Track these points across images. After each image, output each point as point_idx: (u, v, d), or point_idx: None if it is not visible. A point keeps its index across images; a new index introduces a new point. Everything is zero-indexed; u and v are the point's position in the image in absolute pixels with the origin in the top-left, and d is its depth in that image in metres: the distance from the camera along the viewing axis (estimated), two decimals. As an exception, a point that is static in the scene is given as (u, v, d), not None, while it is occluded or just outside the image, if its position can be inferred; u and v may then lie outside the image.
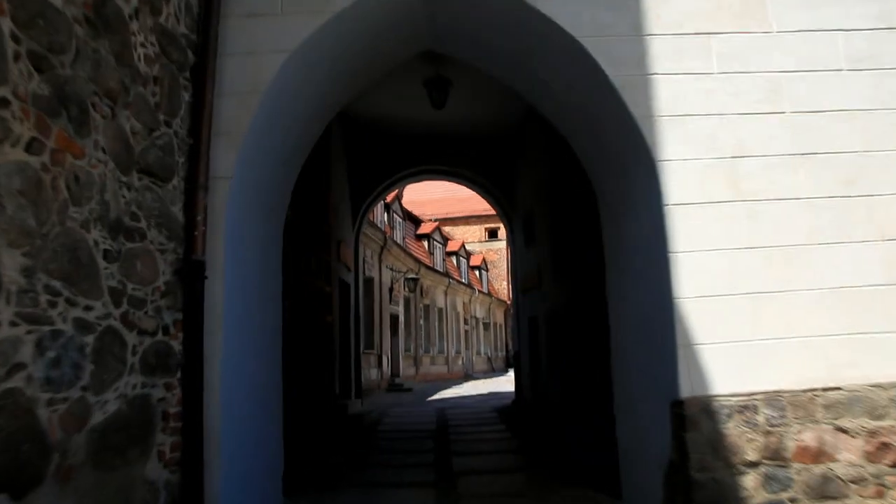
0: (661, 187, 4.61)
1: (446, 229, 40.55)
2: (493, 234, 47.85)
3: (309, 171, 7.40)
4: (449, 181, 14.89)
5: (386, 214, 24.12)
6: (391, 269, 21.38)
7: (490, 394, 18.37)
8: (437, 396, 17.84)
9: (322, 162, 9.78)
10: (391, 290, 21.09)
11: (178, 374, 4.03)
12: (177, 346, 4.06)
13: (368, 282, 19.01)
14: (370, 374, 18.02)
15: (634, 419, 5.07)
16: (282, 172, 5.77)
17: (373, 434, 9.75)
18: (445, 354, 29.67)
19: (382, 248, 19.88)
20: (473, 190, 14.81)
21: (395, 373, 21.96)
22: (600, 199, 5.94)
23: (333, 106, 6.28)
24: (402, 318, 23.27)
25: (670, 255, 4.49)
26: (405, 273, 21.41)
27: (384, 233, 19.68)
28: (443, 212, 46.59)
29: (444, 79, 11.12)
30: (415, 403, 15.55)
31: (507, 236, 14.68)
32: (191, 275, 4.18)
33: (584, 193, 7.24)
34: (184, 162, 4.35)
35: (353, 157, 13.81)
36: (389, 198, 24.63)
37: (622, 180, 5.25)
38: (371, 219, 18.69)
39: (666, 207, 4.57)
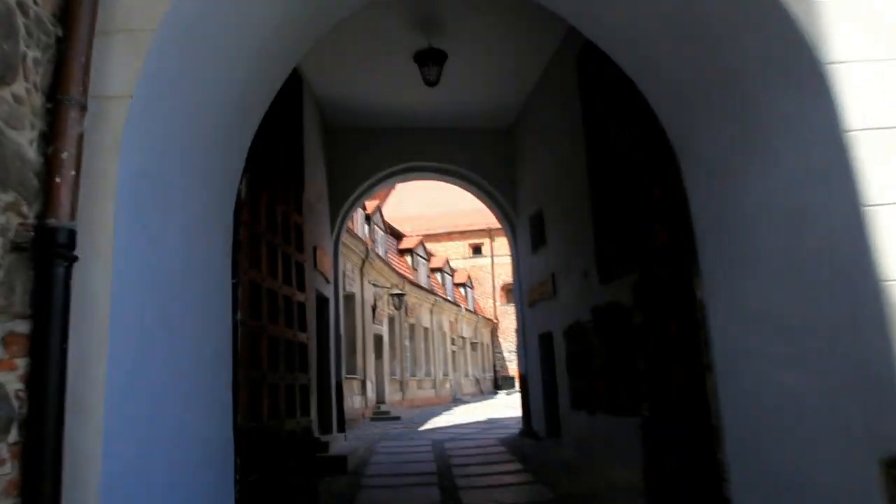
0: (832, 105, 2.86)
1: (428, 246, 38.75)
2: (477, 251, 46.21)
3: (275, 152, 5.58)
4: (440, 180, 13.11)
5: (367, 226, 22.28)
6: (374, 285, 19.48)
7: (488, 421, 16.45)
8: (429, 426, 15.87)
9: (294, 145, 7.94)
10: (374, 307, 19.18)
11: (13, 438, 2.16)
12: (13, 383, 2.20)
13: (349, 298, 17.10)
14: (353, 402, 16.03)
15: (774, 484, 3.25)
16: (229, 118, 3.92)
17: (359, 484, 7.81)
18: (433, 377, 27.70)
19: (364, 261, 17.99)
20: (468, 190, 13.04)
21: (380, 399, 19.96)
22: (686, 156, 4.18)
23: (292, 45, 4.49)
24: (386, 339, 21.33)
25: (863, 209, 2.73)
26: (389, 289, 19.53)
27: (366, 244, 17.82)
28: (424, 228, 44.88)
29: (437, 51, 9.42)
30: (406, 435, 13.58)
31: (509, 242, 12.91)
32: (43, 252, 2.33)
33: (640, 163, 5.51)
34: (42, 59, 2.51)
35: (332, 151, 12.01)
36: (370, 209, 22.86)
37: (745, 112, 3.49)
38: (351, 228, 16.83)
39: (847, 135, 2.81)
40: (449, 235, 46.44)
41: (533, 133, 11.29)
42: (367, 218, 22.23)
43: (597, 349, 8.34)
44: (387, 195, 52.61)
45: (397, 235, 29.48)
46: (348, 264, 16.52)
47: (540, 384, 11.08)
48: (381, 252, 23.16)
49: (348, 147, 12.17)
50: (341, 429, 11.24)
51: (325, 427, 10.62)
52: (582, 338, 8.88)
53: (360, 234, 19.67)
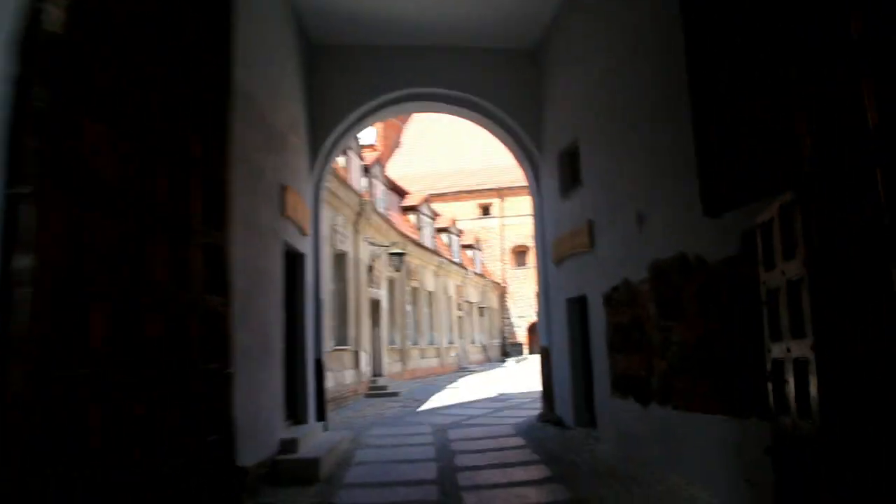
0: None
1: (434, 206, 36.44)
2: (486, 211, 43.94)
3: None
4: (447, 112, 10.72)
5: (365, 179, 19.96)
6: (371, 244, 17.24)
7: (499, 398, 14.35)
8: (431, 404, 13.77)
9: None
10: (371, 269, 16.98)
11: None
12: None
13: (340, 257, 14.90)
14: (343, 377, 13.94)
15: None
16: None
17: (329, 503, 5.68)
18: (437, 346, 25.66)
19: (359, 216, 15.72)
20: (482, 125, 10.67)
21: (377, 372, 17.90)
22: None
23: None
24: (385, 304, 19.18)
25: None
26: (388, 248, 17.31)
27: (361, 197, 15.52)
28: (430, 187, 42.48)
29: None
30: (403, 419, 11.47)
31: (530, 188, 10.57)
32: None
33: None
34: None
35: (316, 74, 9.66)
36: (369, 160, 20.51)
37: None
38: (344, 177, 14.53)
39: None
40: (456, 195, 44.13)
41: (567, 51, 8.89)
42: (366, 170, 19.90)
43: (654, 319, 6.11)
44: (391, 152, 50.12)
45: (400, 192, 27.15)
46: (339, 218, 14.27)
47: (567, 360, 8.90)
48: (381, 207, 20.88)
49: (336, 68, 9.82)
50: (321, 416, 9.11)
51: (298, 416, 8.49)
52: (632, 303, 6.64)
53: (355, 187, 17.37)
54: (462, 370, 28.18)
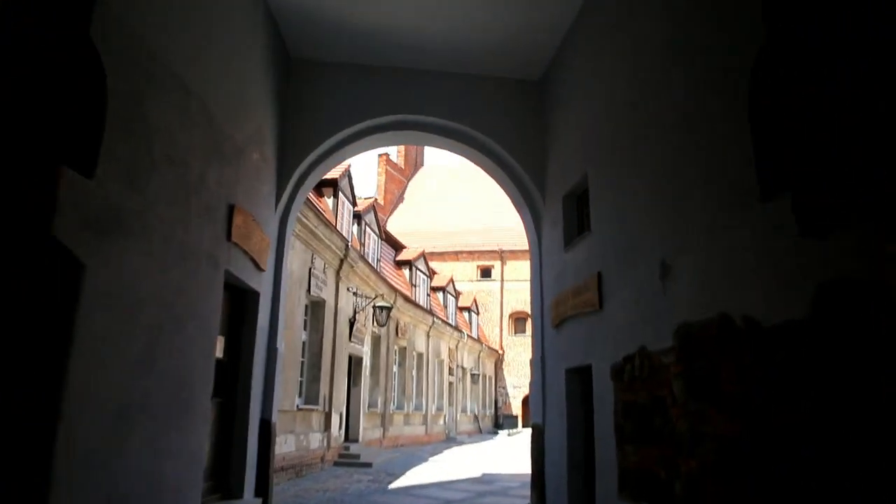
0: None
1: (433, 265, 35.16)
2: (486, 274, 42.63)
3: None
4: (439, 144, 9.46)
5: (356, 226, 18.73)
6: (355, 294, 15.81)
7: (484, 478, 12.60)
8: (405, 481, 12.03)
9: None
10: (353, 322, 15.49)
11: None
12: None
13: (317, 305, 13.46)
14: (309, 440, 12.27)
15: None
16: None
17: None
18: (424, 412, 23.83)
19: (342, 262, 14.34)
20: (478, 162, 9.42)
21: (353, 436, 16.15)
22: None
23: None
24: (367, 362, 17.57)
25: None
26: (374, 300, 15.85)
27: (346, 241, 14.18)
28: (430, 245, 41.37)
29: None
30: (367, 497, 9.78)
31: (531, 238, 9.22)
32: None
33: None
34: None
35: (293, 91, 8.52)
36: (362, 206, 19.34)
37: None
38: (328, 218, 13.27)
39: None
40: (457, 255, 42.97)
41: (576, 79, 7.73)
42: (357, 217, 18.68)
43: (682, 402, 4.64)
44: (392, 206, 49.21)
45: (396, 245, 25.88)
46: (318, 261, 12.91)
47: (563, 444, 7.33)
48: (372, 257, 19.56)
49: (315, 86, 8.68)
50: (261, 490, 7.49)
51: (231, 488, 6.92)
52: (650, 379, 5.17)
53: (344, 232, 16.10)
54: (450, 440, 26.22)
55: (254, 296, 7.55)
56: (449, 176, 53.47)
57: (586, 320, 6.82)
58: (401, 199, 51.05)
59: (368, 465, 13.69)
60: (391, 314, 19.92)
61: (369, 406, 17.96)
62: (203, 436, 5.91)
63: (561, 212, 8.03)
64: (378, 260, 20.51)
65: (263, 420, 7.74)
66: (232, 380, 7.24)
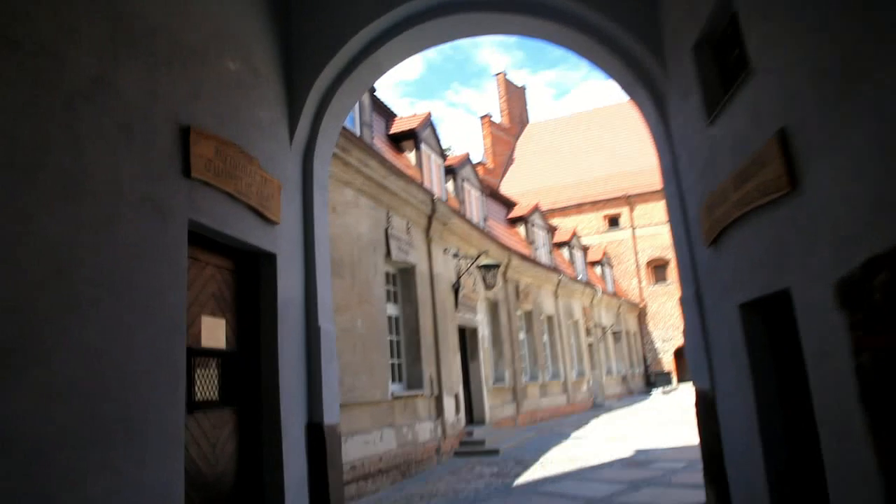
0: None
1: (553, 222, 32.29)
2: (613, 223, 39.07)
3: None
4: (503, 28, 6.85)
5: (451, 183, 16.46)
6: (456, 256, 13.56)
7: (637, 459, 9.98)
8: (536, 472, 9.70)
9: None
10: (457, 288, 13.27)
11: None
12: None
13: (405, 273, 11.34)
14: (416, 432, 10.24)
15: None
16: None
17: None
18: (562, 380, 21.31)
19: (430, 219, 12.11)
20: (560, 40, 6.70)
21: (478, 418, 14.04)
22: None
23: None
24: (484, 332, 15.34)
25: None
26: (475, 260, 13.52)
27: (430, 194, 11.92)
28: (548, 201, 38.46)
29: None
30: (482, 500, 7.56)
31: (655, 132, 6.44)
32: None
33: None
34: None
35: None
36: (453, 159, 17.04)
37: None
38: (401, 170, 11.09)
39: None
40: (579, 208, 39.72)
41: None
42: (451, 172, 16.39)
43: None
44: (502, 170, 46.55)
45: (506, 203, 23.38)
46: (396, 220, 10.74)
47: (752, 422, 4.62)
48: (475, 215, 17.25)
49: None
50: (318, 523, 5.46)
51: (264, 529, 4.92)
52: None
53: (438, 190, 13.90)
54: (597, 407, 23.55)
55: (268, 260, 5.45)
56: (558, 128, 49.94)
57: (768, 217, 4.07)
58: (510, 160, 48.27)
59: (495, 452, 11.48)
60: (508, 276, 17.56)
61: (495, 381, 15.76)
62: (177, 463, 3.88)
63: (693, 71, 5.22)
64: (484, 219, 18.16)
65: (312, 425, 5.67)
66: (250, 377, 5.21)
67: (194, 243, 4.58)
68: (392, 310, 10.82)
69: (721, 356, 5.30)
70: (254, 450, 5.10)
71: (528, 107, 53.53)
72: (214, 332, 4.80)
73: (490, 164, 44.17)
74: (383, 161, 9.87)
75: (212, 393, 4.72)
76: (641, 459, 9.78)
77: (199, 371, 4.57)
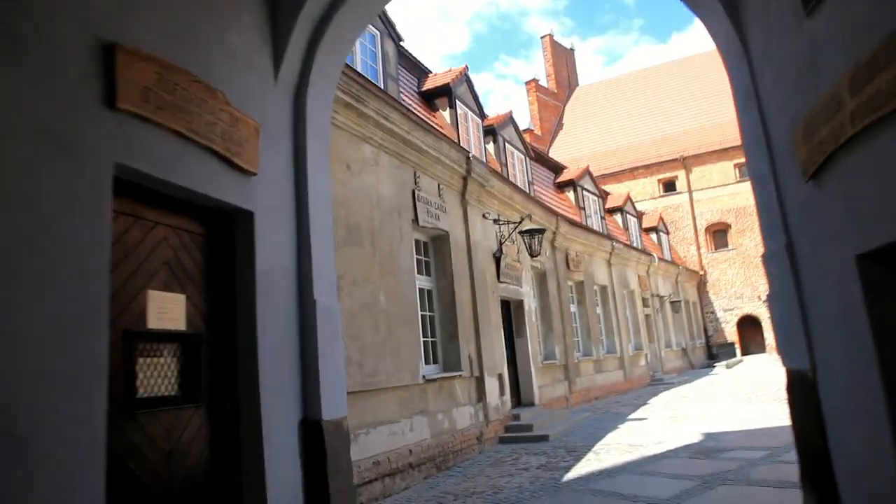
0: None
1: (606, 188, 30.64)
2: (669, 187, 37.05)
3: None
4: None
5: (492, 144, 15.23)
6: (497, 222, 12.38)
7: (705, 446, 8.73)
8: (589, 463, 8.57)
9: None
10: (498, 257, 12.11)
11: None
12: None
13: (438, 241, 10.25)
14: (453, 418, 9.21)
15: None
16: None
17: None
18: (619, 354, 19.98)
19: (466, 180, 10.95)
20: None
21: (526, 399, 12.95)
22: None
23: None
24: (531, 305, 14.16)
25: None
26: (519, 224, 12.29)
27: (465, 152, 10.75)
28: (599, 166, 36.69)
29: None
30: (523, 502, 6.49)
31: (725, 45, 5.15)
32: None
33: None
34: None
35: None
36: (495, 120, 15.78)
37: None
38: (428, 122, 9.95)
39: None
40: (632, 172, 37.82)
41: None
42: (490, 131, 15.15)
43: None
44: (550, 136, 44.73)
45: (555, 168, 21.98)
46: (424, 181, 9.63)
47: (880, 410, 3.37)
48: (521, 178, 16.00)
49: None
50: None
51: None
52: None
53: (477, 152, 12.73)
54: (656, 383, 22.14)
55: (242, 219, 4.43)
56: (608, 90, 47.69)
57: (908, 125, 2.79)
58: (559, 126, 46.39)
59: (543, 438, 10.36)
60: (556, 244, 16.28)
61: (544, 358, 14.61)
62: (94, 484, 2.91)
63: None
64: (529, 183, 16.87)
65: (308, 421, 4.66)
66: (224, 366, 4.22)
67: (132, 196, 3.58)
68: (423, 282, 9.77)
69: (825, 326, 4.02)
70: (229, 457, 4.13)
71: (579, 67, 51.35)
72: (168, 311, 3.81)
73: (537, 131, 42.47)
74: (408, 113, 8.74)
75: (166, 387, 3.74)
76: (711, 447, 8.52)
77: (143, 360, 3.59)
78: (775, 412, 10.97)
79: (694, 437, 9.38)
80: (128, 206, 3.57)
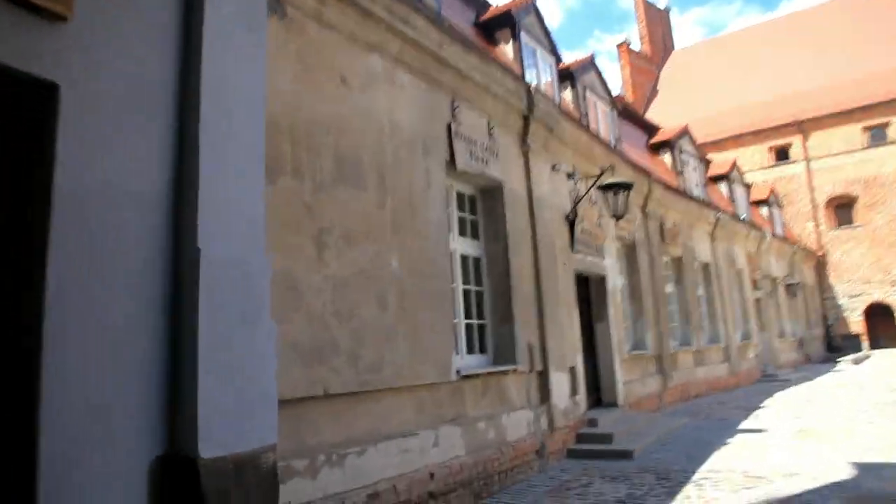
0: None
1: (708, 157, 27.07)
2: (782, 155, 32.83)
3: None
4: None
5: (570, 90, 12.71)
6: (571, 177, 9.94)
7: (865, 479, 6.06)
8: (692, 500, 6.12)
9: None
10: (572, 220, 9.68)
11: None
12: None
13: (488, 194, 7.95)
14: (502, 428, 6.92)
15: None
16: None
17: None
18: (723, 344, 16.99)
19: (527, 120, 8.56)
20: None
21: (608, 399, 10.52)
22: None
23: None
24: (616, 282, 11.60)
25: None
26: (598, 178, 9.74)
27: (525, 84, 8.38)
28: (700, 135, 32.83)
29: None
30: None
31: None
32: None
33: None
34: None
35: None
36: (574, 63, 13.27)
37: None
38: (497, 54, 7.63)
39: None
40: (738, 140, 33.79)
41: None
42: (567, 76, 12.62)
43: None
44: (645, 103, 40.97)
45: (644, 126, 19.08)
46: (466, 114, 7.33)
47: None
48: (605, 128, 13.41)
49: None
50: None
51: None
52: None
53: (552, 96, 10.30)
54: (767, 379, 18.95)
55: (36, 96, 2.35)
56: (709, 51, 43.28)
57: None
58: (654, 92, 42.50)
59: (626, 454, 7.92)
60: (649, 210, 13.59)
61: (632, 348, 12.07)
62: None
63: None
64: (617, 140, 14.20)
65: (170, 460, 2.58)
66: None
67: None
68: (466, 247, 7.54)
69: None
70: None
71: (675, 28, 47.01)
72: None
73: (629, 97, 38.91)
74: (437, 20, 6.47)
75: None
76: (874, 490, 5.85)
77: None
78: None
79: (841, 469, 6.69)
80: None
